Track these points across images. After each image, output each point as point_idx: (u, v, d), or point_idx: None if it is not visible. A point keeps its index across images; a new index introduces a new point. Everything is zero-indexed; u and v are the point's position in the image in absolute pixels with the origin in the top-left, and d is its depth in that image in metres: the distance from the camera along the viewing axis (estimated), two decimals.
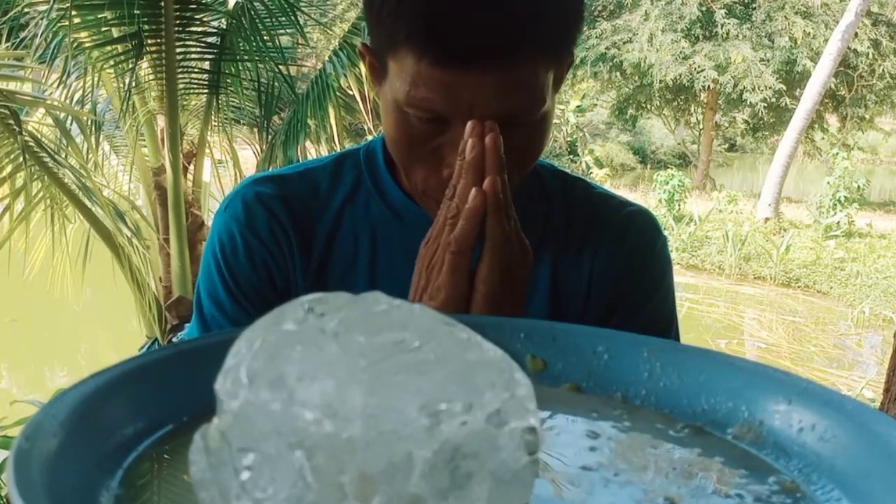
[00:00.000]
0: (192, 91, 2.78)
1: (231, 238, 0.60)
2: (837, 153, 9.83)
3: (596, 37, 12.21)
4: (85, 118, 2.66)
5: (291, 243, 0.61)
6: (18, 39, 2.58)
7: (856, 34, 10.32)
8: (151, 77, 2.58)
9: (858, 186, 9.17)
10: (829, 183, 9.26)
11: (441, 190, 0.52)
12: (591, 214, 0.65)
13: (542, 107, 0.53)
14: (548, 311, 0.61)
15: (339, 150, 0.71)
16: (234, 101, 2.89)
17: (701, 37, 12.05)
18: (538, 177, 0.64)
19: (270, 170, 0.70)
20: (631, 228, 0.66)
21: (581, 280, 0.63)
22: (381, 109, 0.55)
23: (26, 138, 2.21)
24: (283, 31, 2.81)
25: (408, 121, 0.51)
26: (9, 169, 2.31)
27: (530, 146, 0.55)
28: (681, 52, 11.80)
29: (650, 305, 0.66)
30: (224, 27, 2.67)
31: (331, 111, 2.93)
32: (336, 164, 0.64)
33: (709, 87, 12.00)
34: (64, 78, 2.57)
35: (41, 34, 2.42)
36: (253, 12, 2.61)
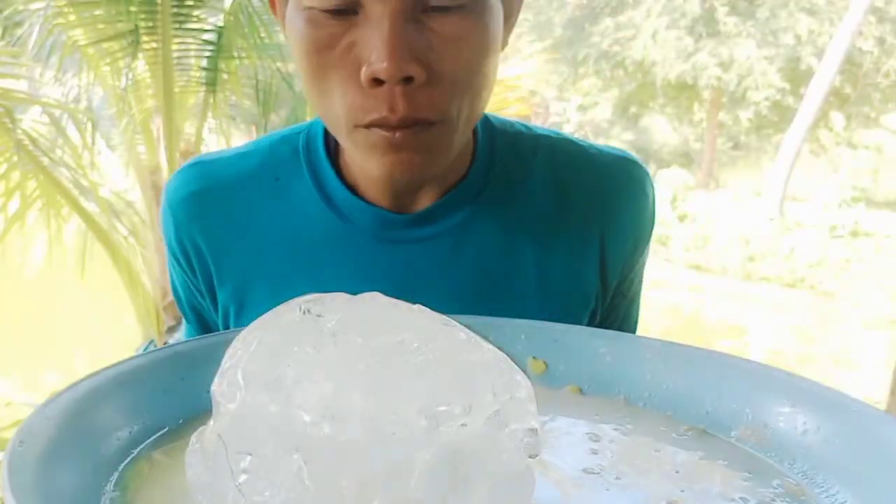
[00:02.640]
0: (189, 89, 2.78)
1: (168, 243, 0.56)
2: (843, 152, 9.78)
3: (598, 34, 12.19)
4: (81, 116, 2.66)
5: (202, 255, 0.53)
6: (14, 37, 2.58)
7: (860, 32, 10.26)
8: (148, 75, 2.58)
9: (864, 186, 9.12)
10: (834, 182, 9.21)
11: (365, 106, 0.43)
12: (586, 183, 0.53)
13: None
14: (537, 309, 0.51)
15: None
16: (231, 99, 2.88)
17: (704, 34, 12.01)
18: (514, 141, 0.53)
19: (214, 151, 0.58)
20: (634, 190, 0.54)
21: (588, 264, 0.52)
22: (290, 41, 0.46)
23: (20, 136, 2.21)
24: (280, 29, 2.80)
25: (312, 21, 0.43)
26: (3, 168, 2.31)
27: (463, 50, 0.43)
28: (684, 50, 11.77)
29: (640, 274, 0.57)
30: (221, 24, 2.67)
31: None
32: (271, 151, 0.54)
33: (712, 84, 11.96)
34: (59, 75, 2.57)
35: (37, 31, 2.41)
36: (251, 9, 2.60)
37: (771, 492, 0.31)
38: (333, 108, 0.44)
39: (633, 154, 0.58)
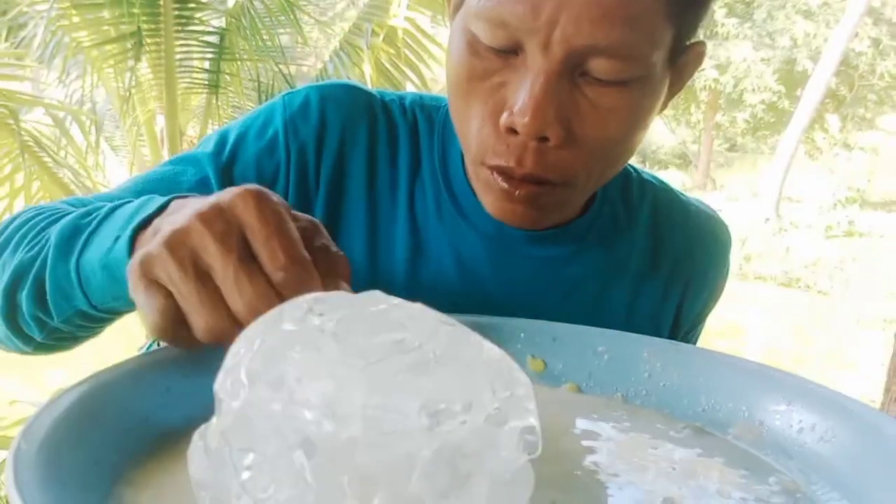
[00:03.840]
0: (191, 91, 2.78)
1: (267, 120, 0.49)
2: (838, 153, 9.84)
3: None
4: (84, 117, 2.66)
5: (319, 183, 0.48)
6: (18, 39, 2.58)
7: (856, 33, 10.31)
8: (151, 76, 2.58)
9: (859, 187, 9.17)
10: (830, 183, 9.27)
11: (496, 149, 0.42)
12: (679, 239, 0.55)
13: (641, 63, 0.40)
14: None
15: None
16: (233, 101, 2.88)
17: (701, 36, 12.04)
18: (624, 185, 0.54)
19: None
20: (719, 253, 0.57)
21: (666, 312, 0.54)
22: (449, 48, 0.44)
23: (25, 137, 2.21)
24: (282, 31, 2.81)
25: (473, 46, 0.41)
26: (7, 169, 2.32)
27: (609, 123, 0.41)
28: None
29: (703, 325, 0.59)
30: (224, 26, 2.67)
31: None
32: (413, 113, 0.51)
33: (709, 86, 12.00)
34: (63, 77, 2.58)
35: (41, 33, 2.42)
36: (253, 11, 2.61)
37: (767, 489, 0.31)
38: (468, 133, 0.44)
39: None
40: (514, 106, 0.40)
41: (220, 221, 0.31)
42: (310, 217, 0.34)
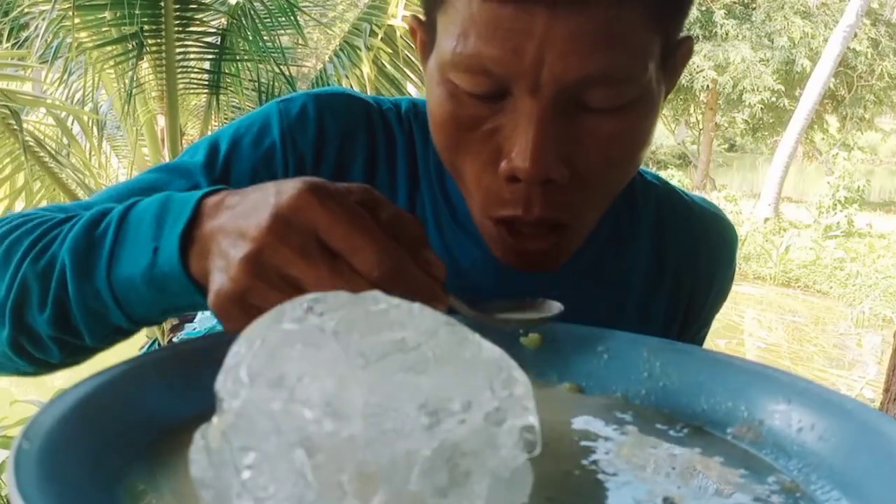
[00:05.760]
0: (192, 91, 2.79)
1: (263, 129, 0.47)
2: (837, 153, 9.86)
3: None
4: (86, 118, 2.67)
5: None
6: (19, 40, 2.59)
7: (855, 34, 10.33)
8: (151, 77, 2.59)
9: (858, 186, 9.19)
10: (829, 183, 9.29)
11: (499, 198, 0.40)
12: (683, 241, 0.53)
13: (638, 84, 0.38)
14: None
15: None
16: (234, 102, 2.89)
17: (700, 37, 12.07)
18: (628, 187, 0.49)
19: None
20: (724, 253, 0.56)
21: (674, 320, 0.54)
22: (426, 92, 0.42)
23: (26, 138, 2.22)
24: (282, 32, 2.82)
25: (455, 97, 0.39)
26: (9, 169, 2.32)
27: (614, 151, 0.39)
28: None
29: (708, 327, 0.59)
30: (224, 27, 2.68)
31: None
32: (408, 120, 0.50)
33: (708, 87, 12.02)
34: (65, 78, 2.59)
35: (42, 35, 2.43)
36: (253, 12, 2.62)
37: (767, 488, 0.31)
38: (464, 180, 0.42)
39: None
40: (511, 152, 0.38)
41: (293, 233, 0.29)
42: (360, 185, 0.32)
